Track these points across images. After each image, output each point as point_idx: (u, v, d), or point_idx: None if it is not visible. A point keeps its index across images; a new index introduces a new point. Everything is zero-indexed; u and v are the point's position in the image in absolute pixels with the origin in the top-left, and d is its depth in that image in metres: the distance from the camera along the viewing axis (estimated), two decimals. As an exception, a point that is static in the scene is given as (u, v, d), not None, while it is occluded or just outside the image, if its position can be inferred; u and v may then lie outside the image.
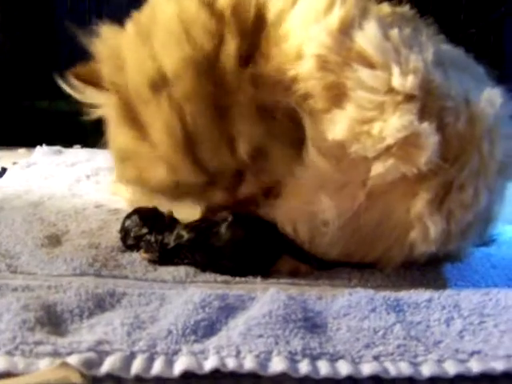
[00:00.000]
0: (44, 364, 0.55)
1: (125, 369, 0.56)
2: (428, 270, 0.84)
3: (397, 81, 0.75)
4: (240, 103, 0.78)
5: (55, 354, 0.56)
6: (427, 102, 0.76)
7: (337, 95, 0.77)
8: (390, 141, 0.74)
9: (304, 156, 0.79)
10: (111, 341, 0.59)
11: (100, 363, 0.56)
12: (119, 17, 0.90)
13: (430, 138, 0.74)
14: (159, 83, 0.78)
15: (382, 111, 0.75)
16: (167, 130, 0.78)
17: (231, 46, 0.78)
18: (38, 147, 1.61)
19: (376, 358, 0.60)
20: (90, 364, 0.56)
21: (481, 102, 0.79)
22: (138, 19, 0.87)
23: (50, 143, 1.67)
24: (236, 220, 0.83)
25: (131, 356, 0.57)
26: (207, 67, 0.77)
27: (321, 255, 0.82)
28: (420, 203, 0.76)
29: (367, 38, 0.77)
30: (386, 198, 0.78)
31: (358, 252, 0.81)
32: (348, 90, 0.76)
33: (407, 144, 0.75)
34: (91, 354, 0.57)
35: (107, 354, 0.57)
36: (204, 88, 0.77)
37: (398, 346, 0.62)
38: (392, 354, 0.61)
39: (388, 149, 0.75)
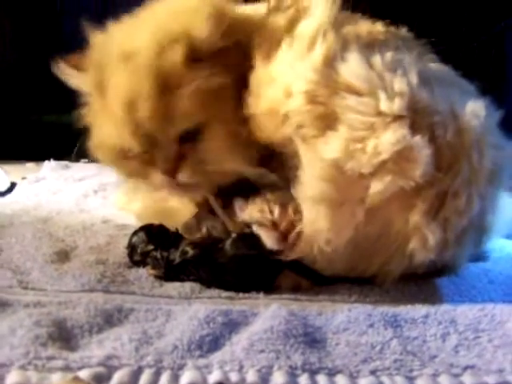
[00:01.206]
0: (56, 378, 0.58)
1: (132, 383, 0.58)
2: (425, 285, 0.87)
3: (384, 105, 0.79)
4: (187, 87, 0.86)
5: (67, 368, 0.59)
6: (416, 119, 0.80)
7: (328, 122, 0.80)
8: (385, 156, 0.78)
9: (301, 177, 0.82)
10: (120, 356, 0.61)
11: (109, 377, 0.59)
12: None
13: (424, 151, 0.78)
14: (128, 56, 0.88)
15: (373, 131, 0.79)
16: (120, 90, 0.88)
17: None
18: (47, 162, 1.63)
19: (373, 372, 0.63)
20: (100, 378, 0.58)
21: (466, 114, 0.82)
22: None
23: (58, 157, 1.70)
24: (239, 237, 0.86)
25: (139, 371, 0.60)
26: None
27: (322, 271, 0.84)
28: (417, 214, 0.80)
29: (351, 69, 0.82)
30: (384, 212, 0.81)
31: (358, 266, 0.84)
32: (339, 115, 0.80)
33: (402, 158, 0.78)
34: (101, 369, 0.59)
35: (116, 368, 0.60)
36: (159, 64, 0.86)
37: (395, 361, 0.64)
38: (388, 368, 0.63)
39: (383, 164, 0.78)
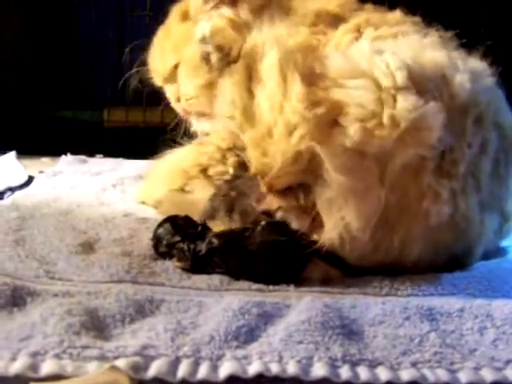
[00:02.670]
0: (92, 367, 0.57)
1: (171, 373, 0.57)
2: (457, 280, 0.85)
3: (385, 81, 0.81)
4: None
5: (102, 357, 0.58)
6: (418, 88, 0.82)
7: (335, 114, 0.81)
8: (404, 124, 0.79)
9: (326, 177, 0.81)
10: (156, 346, 0.60)
11: (146, 367, 0.58)
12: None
13: (439, 116, 0.80)
14: None
15: (383, 104, 0.80)
16: None
17: None
18: (63, 156, 1.62)
19: (414, 364, 0.62)
20: (137, 368, 0.57)
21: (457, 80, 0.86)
22: None
23: (73, 152, 1.69)
24: (268, 224, 0.85)
25: (176, 361, 0.59)
26: None
27: (348, 254, 0.83)
28: (428, 173, 0.82)
29: (335, 65, 0.85)
30: (400, 182, 0.81)
31: (382, 242, 0.83)
32: (343, 103, 0.81)
33: (419, 126, 0.80)
34: (137, 359, 0.58)
35: (153, 358, 0.59)
36: None
37: (435, 354, 0.63)
38: (429, 361, 0.62)
39: (403, 136, 0.79)
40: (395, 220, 0.82)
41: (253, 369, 0.58)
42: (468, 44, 0.97)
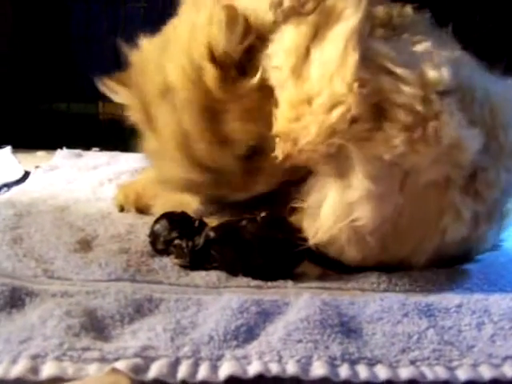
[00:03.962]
0: (92, 369, 0.57)
1: (171, 374, 0.57)
2: (454, 274, 0.86)
3: (431, 74, 0.78)
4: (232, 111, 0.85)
5: (103, 359, 0.58)
6: (460, 96, 0.80)
7: (381, 111, 0.78)
8: (446, 141, 0.77)
9: (351, 181, 0.79)
10: (156, 346, 0.60)
11: (146, 369, 0.58)
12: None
13: (477, 140, 0.79)
14: (166, 92, 0.88)
15: (427, 107, 0.77)
16: (170, 130, 0.88)
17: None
18: (59, 150, 1.62)
19: (413, 362, 0.62)
20: (137, 369, 0.57)
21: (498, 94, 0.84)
22: (164, 31, 0.96)
23: (68, 146, 1.69)
24: (266, 217, 0.85)
25: (176, 361, 0.59)
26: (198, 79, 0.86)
27: (352, 258, 0.83)
28: (453, 190, 0.80)
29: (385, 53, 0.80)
30: (421, 193, 0.80)
31: (391, 247, 0.82)
32: (388, 97, 0.78)
33: (455, 147, 0.78)
34: (138, 360, 0.58)
35: (153, 359, 0.59)
36: (197, 96, 0.86)
37: (433, 351, 0.63)
38: (428, 358, 0.62)
39: (438, 154, 0.77)
40: (407, 229, 0.81)
41: (252, 369, 0.58)
42: (463, 32, 0.97)
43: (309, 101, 0.80)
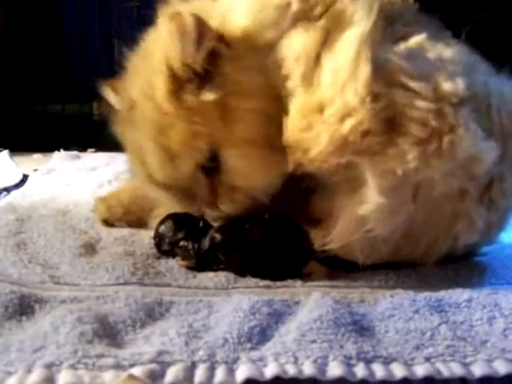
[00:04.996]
0: (108, 376, 0.56)
1: (188, 379, 0.57)
2: (462, 269, 0.86)
3: (446, 85, 0.77)
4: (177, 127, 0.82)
5: (118, 366, 0.58)
6: (475, 104, 0.79)
7: (393, 124, 0.77)
8: (461, 156, 0.76)
9: (364, 194, 0.77)
10: (171, 351, 0.60)
11: (163, 374, 0.57)
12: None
13: (492, 154, 0.78)
14: (129, 107, 0.88)
15: (443, 120, 0.76)
16: (131, 146, 0.91)
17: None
18: (56, 152, 1.61)
19: (427, 359, 0.61)
20: (154, 375, 0.57)
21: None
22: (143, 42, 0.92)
23: (64, 147, 1.68)
24: (271, 218, 0.85)
25: (192, 366, 0.58)
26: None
27: (364, 260, 0.82)
28: (468, 200, 0.80)
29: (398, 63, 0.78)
30: (435, 201, 0.79)
31: (403, 249, 0.83)
32: (401, 110, 0.76)
33: (470, 160, 0.77)
34: (153, 366, 0.58)
35: (169, 364, 0.58)
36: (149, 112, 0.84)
37: (447, 347, 0.63)
38: (442, 354, 0.62)
39: (454, 166, 0.77)
40: (420, 234, 0.81)
41: (269, 371, 0.58)
42: (456, 23, 0.96)
43: (320, 109, 0.78)
